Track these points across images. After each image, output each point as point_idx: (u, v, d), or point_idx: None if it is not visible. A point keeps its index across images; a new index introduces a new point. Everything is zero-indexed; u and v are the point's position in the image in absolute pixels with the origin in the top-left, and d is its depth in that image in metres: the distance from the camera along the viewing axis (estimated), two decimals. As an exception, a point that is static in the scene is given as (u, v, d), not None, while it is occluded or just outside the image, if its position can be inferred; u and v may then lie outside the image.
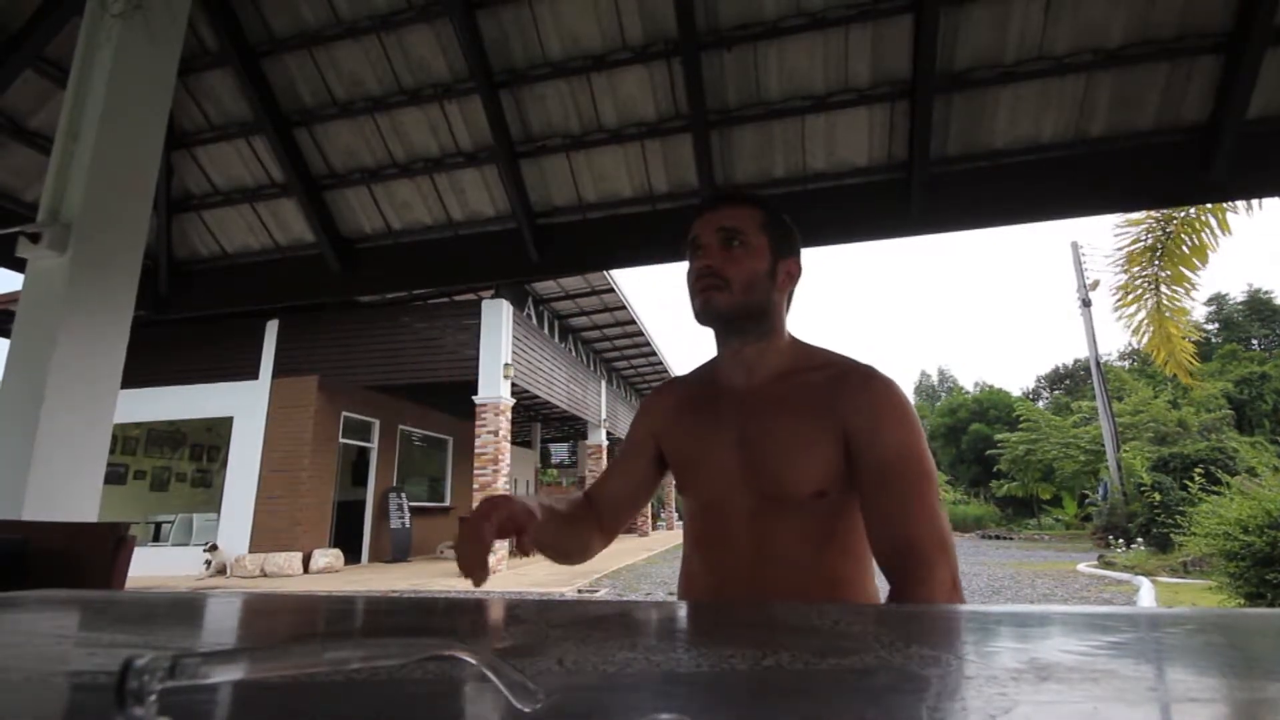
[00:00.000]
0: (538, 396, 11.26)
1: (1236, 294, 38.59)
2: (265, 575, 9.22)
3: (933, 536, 0.79)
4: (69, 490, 2.12)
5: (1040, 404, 33.84)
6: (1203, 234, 5.79)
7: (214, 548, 9.59)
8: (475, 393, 9.55)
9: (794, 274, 0.97)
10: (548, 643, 0.48)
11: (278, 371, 10.27)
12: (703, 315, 0.93)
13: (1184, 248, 5.96)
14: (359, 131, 3.25)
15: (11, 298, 8.70)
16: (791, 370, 0.94)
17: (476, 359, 9.61)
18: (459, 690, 0.35)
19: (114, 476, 11.38)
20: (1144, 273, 6.43)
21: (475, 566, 0.73)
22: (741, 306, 0.91)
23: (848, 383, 0.89)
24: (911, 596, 0.77)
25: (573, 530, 0.97)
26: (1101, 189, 2.63)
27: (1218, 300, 37.95)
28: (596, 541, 1.01)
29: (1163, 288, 6.37)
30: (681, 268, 1.07)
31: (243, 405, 10.26)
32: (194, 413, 10.77)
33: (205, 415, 10.77)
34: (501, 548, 9.52)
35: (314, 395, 9.98)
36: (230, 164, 3.48)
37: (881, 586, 0.92)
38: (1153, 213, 5.92)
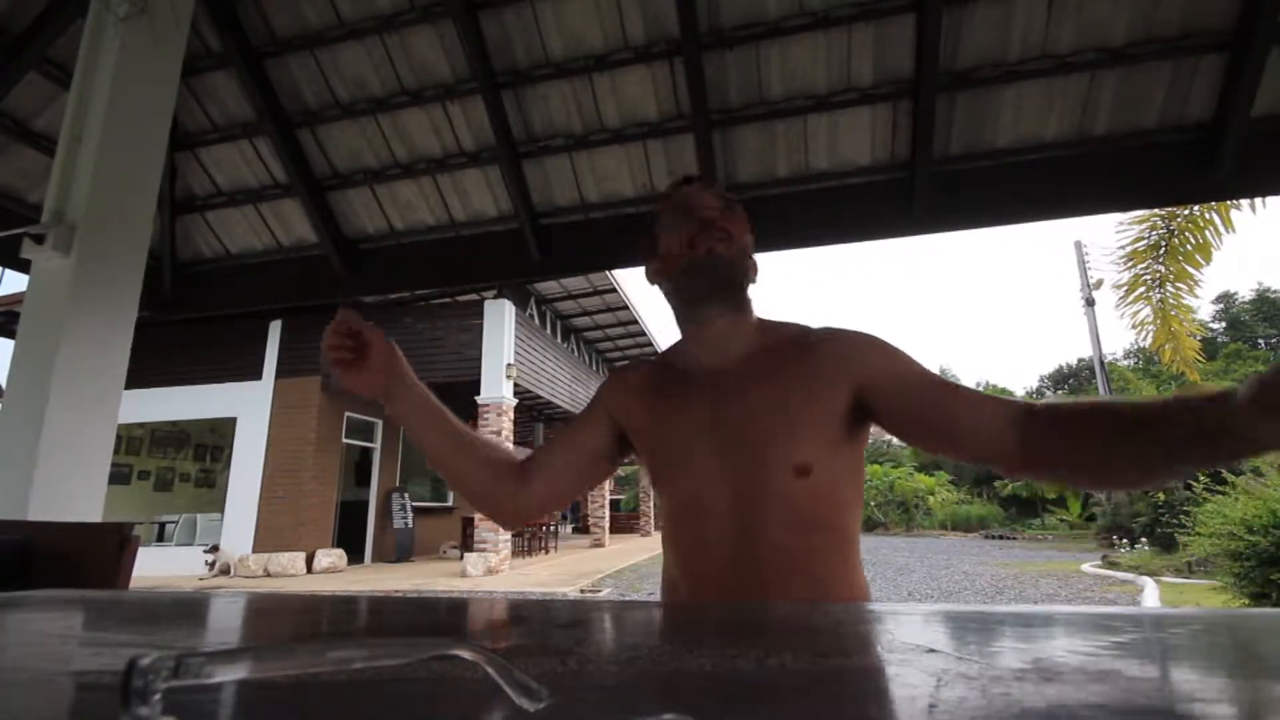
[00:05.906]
0: (540, 397, 11.25)
1: (1244, 293, 38.41)
2: (269, 575, 9.25)
3: (997, 399, 0.80)
4: (73, 490, 2.12)
5: (1044, 403, 33.63)
6: (1206, 231, 5.78)
7: (215, 548, 9.62)
8: (478, 393, 9.55)
9: (756, 270, 0.96)
10: (551, 642, 0.48)
11: (281, 372, 10.30)
12: (704, 267, 0.89)
13: (1188, 245, 5.95)
14: (361, 132, 3.26)
15: (16, 299, 8.74)
16: (763, 347, 0.91)
17: (479, 359, 9.62)
18: (462, 690, 0.35)
19: (118, 477, 11.42)
20: (1147, 270, 6.42)
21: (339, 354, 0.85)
22: (741, 264, 0.91)
23: (843, 343, 0.89)
24: (1043, 409, 0.74)
25: (468, 445, 0.93)
26: (1105, 188, 2.62)
27: (1225, 299, 37.79)
28: (506, 488, 0.93)
29: (1167, 284, 6.35)
30: None
31: (246, 406, 10.29)
32: (198, 413, 10.82)
33: (209, 416, 10.81)
34: (504, 548, 9.53)
35: (317, 395, 10.01)
36: (234, 165, 3.49)
37: (873, 585, 0.90)
38: (1156, 210, 5.91)
